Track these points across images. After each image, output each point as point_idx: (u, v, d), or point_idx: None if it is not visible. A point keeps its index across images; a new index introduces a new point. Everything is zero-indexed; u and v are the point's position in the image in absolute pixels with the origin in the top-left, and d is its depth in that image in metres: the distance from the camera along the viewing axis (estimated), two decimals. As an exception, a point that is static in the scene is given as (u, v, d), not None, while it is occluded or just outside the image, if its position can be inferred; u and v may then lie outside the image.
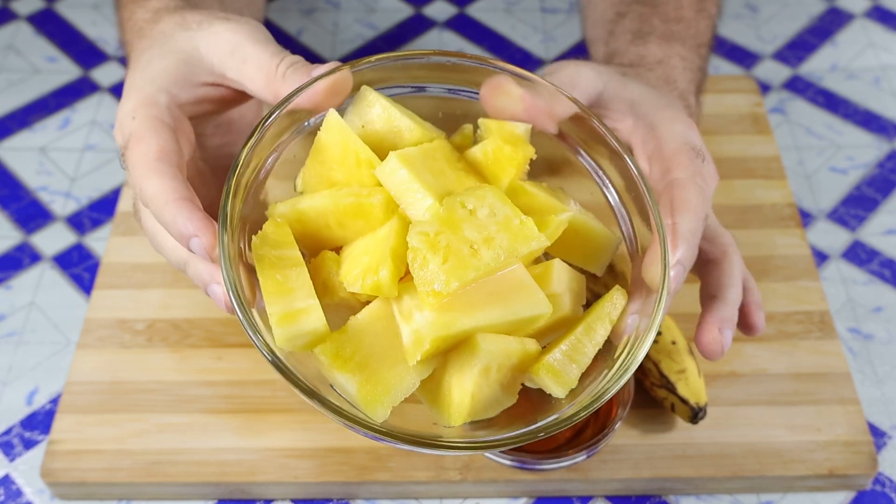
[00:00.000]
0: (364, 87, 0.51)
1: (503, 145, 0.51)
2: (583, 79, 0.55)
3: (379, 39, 0.96)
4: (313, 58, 0.94)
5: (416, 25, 0.97)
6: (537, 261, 0.49)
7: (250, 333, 0.44)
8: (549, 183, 0.52)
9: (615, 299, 0.48)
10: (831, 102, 0.89)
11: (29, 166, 0.83)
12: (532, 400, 0.49)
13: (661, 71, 0.62)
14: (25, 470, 0.65)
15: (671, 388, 0.62)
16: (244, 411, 0.65)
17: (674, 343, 0.63)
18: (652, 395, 0.64)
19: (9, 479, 0.64)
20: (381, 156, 0.48)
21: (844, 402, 0.65)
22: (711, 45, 0.71)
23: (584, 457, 0.59)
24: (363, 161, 0.48)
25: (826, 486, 0.63)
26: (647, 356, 0.63)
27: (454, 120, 0.54)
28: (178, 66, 0.52)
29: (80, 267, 0.76)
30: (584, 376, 0.47)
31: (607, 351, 0.48)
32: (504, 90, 0.51)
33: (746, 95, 0.85)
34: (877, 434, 0.66)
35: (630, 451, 0.63)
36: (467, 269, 0.44)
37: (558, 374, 0.46)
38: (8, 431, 0.67)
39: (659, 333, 0.63)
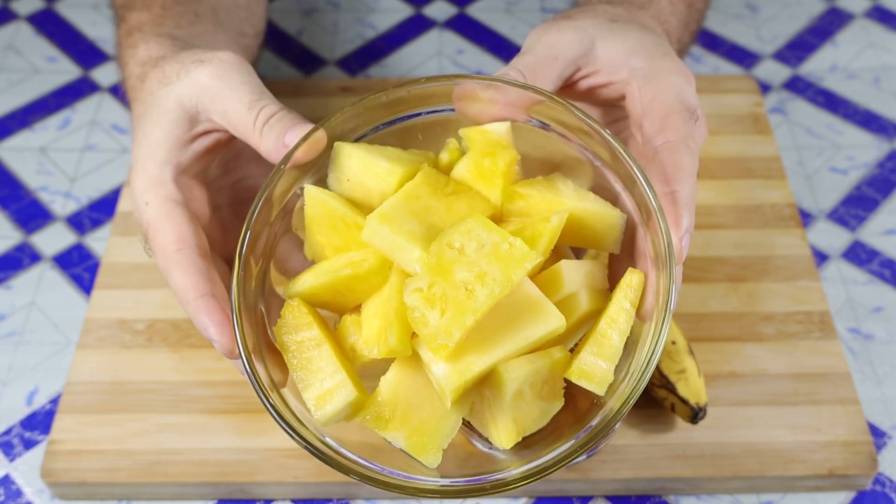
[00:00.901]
0: (337, 144, 0.52)
1: (481, 160, 0.51)
2: (566, 46, 0.54)
3: (379, 39, 0.96)
4: (313, 58, 0.94)
5: (416, 25, 0.97)
6: (554, 254, 0.49)
7: (287, 430, 0.47)
8: (544, 175, 0.52)
9: (632, 282, 0.48)
10: (831, 102, 0.89)
11: (29, 166, 0.83)
12: (574, 395, 0.50)
13: (652, 9, 0.60)
14: (25, 470, 0.65)
15: (671, 388, 0.62)
16: (244, 411, 0.65)
17: (674, 343, 0.63)
18: (652, 395, 0.64)
19: (9, 479, 0.64)
20: (373, 203, 0.49)
21: (844, 402, 0.65)
22: (701, 9, 0.69)
23: (584, 457, 0.59)
24: (351, 225, 0.50)
25: (826, 486, 0.63)
26: (647, 356, 0.63)
27: (436, 136, 0.54)
28: (170, 130, 0.54)
29: (80, 267, 0.76)
30: (619, 366, 0.47)
31: (634, 333, 0.48)
32: (473, 96, 0.51)
33: (746, 95, 0.85)
34: (877, 434, 0.66)
35: (630, 451, 0.63)
36: (465, 314, 0.44)
37: (591, 375, 0.47)
38: (8, 431, 0.67)
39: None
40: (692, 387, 0.61)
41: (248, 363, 0.47)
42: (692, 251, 0.73)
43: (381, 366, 0.49)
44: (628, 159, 0.49)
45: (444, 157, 0.53)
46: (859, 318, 0.73)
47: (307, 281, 0.50)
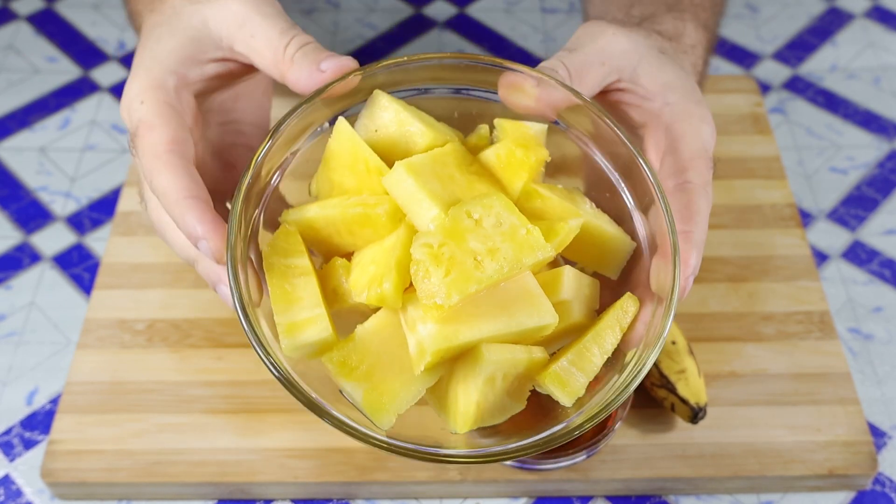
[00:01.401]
0: (376, 91, 0.51)
1: (515, 149, 0.50)
2: (617, 52, 0.53)
3: (379, 39, 0.96)
4: (313, 58, 0.94)
5: (415, 25, 0.97)
6: (552, 264, 0.49)
7: (255, 345, 0.45)
8: (565, 184, 0.52)
9: (626, 307, 0.48)
10: (831, 102, 0.89)
11: (29, 166, 0.83)
12: (542, 405, 0.49)
13: (693, 57, 0.60)
14: (25, 470, 0.65)
15: (671, 388, 0.62)
16: (244, 411, 0.65)
17: (674, 343, 0.63)
18: (652, 395, 0.64)
19: (9, 479, 0.64)
20: (394, 160, 0.47)
21: (844, 402, 0.65)
22: (714, 45, 0.69)
23: (584, 457, 0.59)
24: (372, 169, 0.49)
25: (826, 486, 0.63)
26: (647, 356, 0.63)
27: (470, 120, 0.53)
28: (186, 44, 0.52)
29: (80, 267, 0.76)
30: (593, 384, 0.47)
31: (616, 358, 0.48)
32: (520, 88, 0.51)
33: (746, 95, 0.85)
34: (877, 434, 0.66)
35: (630, 451, 0.63)
36: (469, 282, 0.44)
37: (564, 382, 0.46)
38: (8, 431, 0.67)
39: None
40: (692, 387, 0.61)
41: (233, 268, 0.45)
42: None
43: (356, 319, 0.47)
44: (657, 190, 0.48)
45: (472, 140, 0.52)
46: (859, 318, 0.73)
47: (311, 210, 0.49)
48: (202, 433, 0.64)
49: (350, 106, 0.52)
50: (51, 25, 0.97)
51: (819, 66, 0.92)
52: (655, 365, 0.62)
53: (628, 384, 0.46)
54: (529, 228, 0.45)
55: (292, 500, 0.63)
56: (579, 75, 0.52)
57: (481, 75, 0.52)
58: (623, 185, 0.51)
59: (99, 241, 0.77)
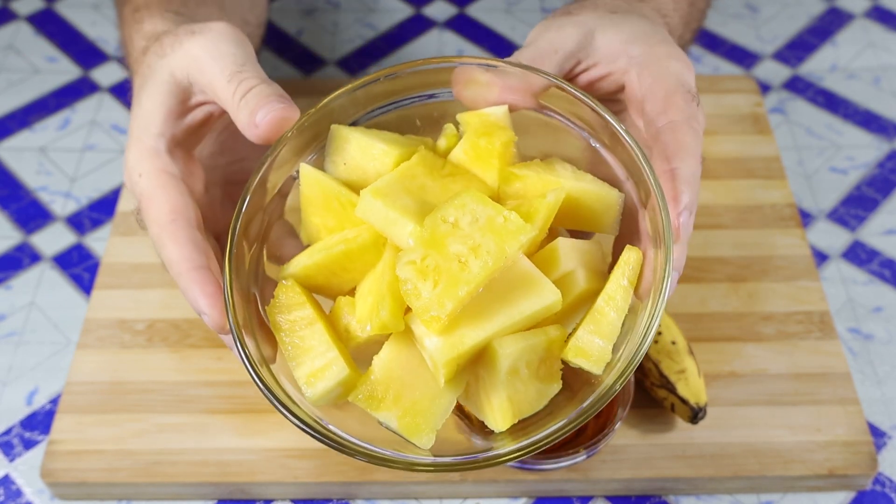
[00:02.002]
0: (334, 126, 0.52)
1: (478, 140, 0.50)
2: (565, 40, 0.54)
3: (379, 39, 0.96)
4: (313, 58, 0.94)
5: (415, 25, 0.97)
6: (551, 237, 0.49)
7: (273, 402, 0.46)
8: (542, 157, 0.51)
9: (630, 259, 0.47)
10: (831, 102, 0.89)
11: (29, 166, 0.83)
12: (578, 378, 0.48)
13: (653, 3, 0.60)
14: (25, 470, 0.65)
15: (671, 389, 0.62)
16: (244, 411, 0.65)
17: (674, 343, 0.63)
18: (652, 396, 0.64)
19: (9, 479, 0.64)
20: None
21: (844, 402, 0.65)
22: (702, 8, 0.69)
23: (584, 457, 0.59)
24: (346, 203, 0.50)
25: (826, 486, 0.63)
26: (647, 356, 0.63)
27: (433, 122, 0.54)
28: (164, 101, 0.53)
29: (80, 267, 0.76)
30: (616, 344, 0.47)
31: (632, 312, 0.47)
32: (473, 79, 0.51)
33: (746, 95, 0.85)
34: (877, 434, 0.66)
35: (630, 451, 0.63)
36: (458, 286, 0.44)
37: (588, 353, 0.46)
38: (8, 431, 0.67)
39: (659, 333, 0.63)
40: (692, 387, 0.61)
41: (238, 335, 0.47)
42: (692, 251, 0.73)
43: (376, 350, 0.48)
44: (626, 137, 0.48)
45: (442, 143, 0.52)
46: (859, 318, 0.73)
47: (301, 261, 0.50)
48: (202, 433, 0.64)
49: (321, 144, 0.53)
50: (51, 25, 0.97)
51: (819, 66, 0.92)
52: (655, 365, 0.62)
53: (647, 333, 0.45)
54: (506, 215, 0.45)
55: (292, 500, 0.63)
56: (534, 65, 0.52)
57: (431, 77, 0.53)
58: (608, 151, 0.51)
59: (99, 241, 0.77)
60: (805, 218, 0.79)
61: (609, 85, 0.55)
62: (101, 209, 0.80)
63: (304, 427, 0.45)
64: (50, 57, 0.93)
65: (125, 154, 0.54)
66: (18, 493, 0.64)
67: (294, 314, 0.49)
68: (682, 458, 0.63)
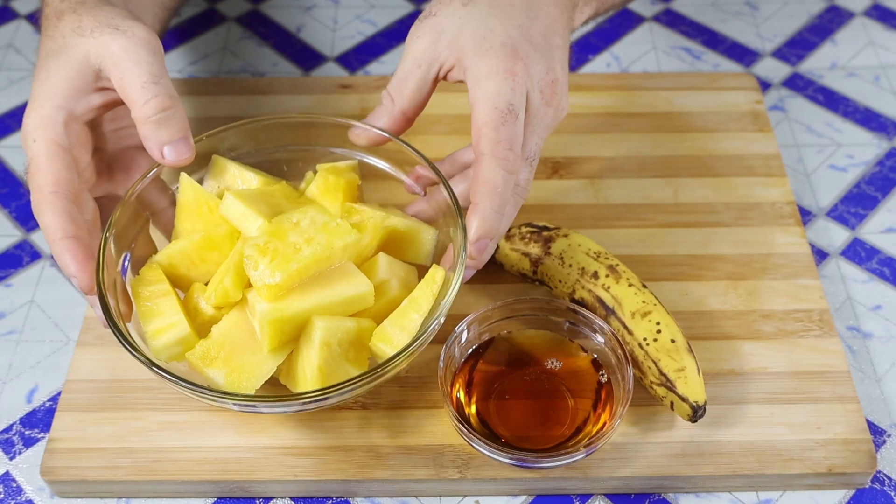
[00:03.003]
0: (215, 156, 0.65)
1: (328, 176, 0.64)
2: (422, 52, 0.60)
3: (378, 36, 0.96)
4: (313, 54, 0.94)
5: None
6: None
7: (126, 346, 0.56)
8: (381, 204, 0.65)
9: (434, 276, 0.59)
10: (831, 100, 0.89)
11: (29, 164, 0.83)
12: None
13: None
14: (25, 468, 0.65)
15: (671, 387, 0.62)
16: (244, 409, 0.65)
17: (673, 341, 0.63)
18: (651, 394, 0.64)
19: (9, 477, 0.64)
20: None
21: (844, 400, 0.65)
22: None
23: (584, 455, 0.59)
24: (214, 208, 0.62)
25: (825, 484, 0.63)
26: (647, 354, 0.63)
27: (297, 169, 0.68)
28: (72, 77, 0.58)
29: (79, 265, 0.76)
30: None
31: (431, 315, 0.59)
32: (354, 134, 0.64)
33: (746, 93, 0.85)
34: (876, 432, 0.66)
35: (629, 449, 0.63)
36: (290, 261, 0.55)
37: (389, 340, 0.57)
38: (8, 429, 0.67)
39: (658, 331, 0.63)
40: (691, 385, 0.61)
41: (102, 292, 0.57)
42: (692, 249, 0.73)
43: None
44: (444, 183, 0.61)
45: (302, 186, 0.66)
46: (859, 316, 0.73)
47: (167, 249, 0.61)
48: (202, 431, 0.64)
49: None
50: (50, 23, 0.97)
51: (819, 63, 0.92)
52: (655, 363, 0.62)
53: (431, 324, 0.57)
54: (339, 222, 0.58)
55: (292, 498, 0.63)
56: (399, 91, 0.61)
57: (298, 132, 0.67)
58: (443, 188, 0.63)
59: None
60: (805, 216, 0.79)
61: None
62: (101, 207, 0.80)
63: (151, 365, 0.55)
64: (49, 54, 0.93)
65: (25, 116, 0.59)
66: (19, 491, 0.64)
67: (153, 287, 0.60)
68: (682, 457, 0.63)
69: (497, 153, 0.55)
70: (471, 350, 0.64)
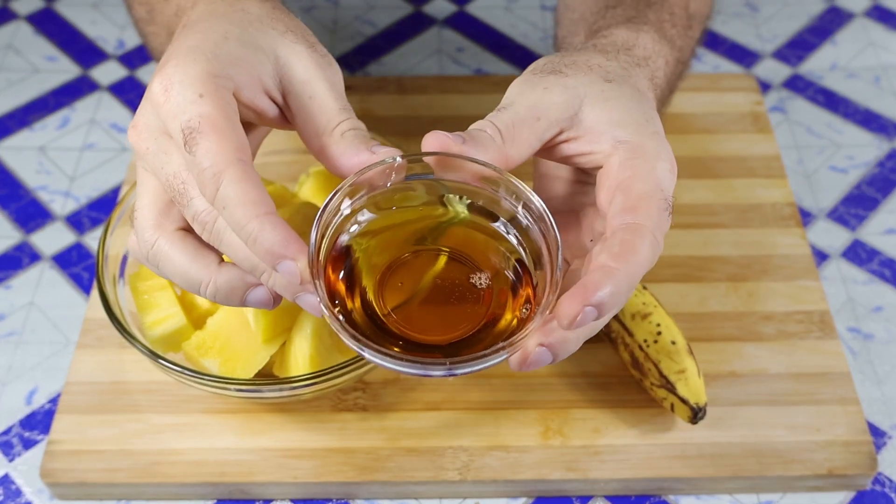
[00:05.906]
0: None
1: (321, 178, 0.67)
2: (551, 107, 0.49)
3: (378, 37, 0.96)
4: (313, 56, 0.93)
5: (415, 23, 0.97)
6: None
7: (126, 336, 0.59)
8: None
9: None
10: (831, 101, 0.89)
11: (28, 166, 0.83)
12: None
13: (649, 70, 0.56)
14: (25, 470, 0.65)
15: (671, 389, 0.62)
16: (243, 411, 0.65)
17: (673, 343, 0.63)
18: (652, 395, 0.64)
19: (8, 479, 0.64)
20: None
21: (844, 401, 0.65)
22: (685, 68, 0.66)
23: (506, 355, 0.45)
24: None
25: (826, 486, 0.63)
26: (647, 356, 0.63)
27: (291, 171, 0.70)
28: (253, 60, 0.48)
29: (79, 266, 0.76)
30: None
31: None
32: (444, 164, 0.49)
33: (746, 94, 0.85)
34: (876, 434, 0.66)
35: (630, 451, 0.63)
36: None
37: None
38: (7, 431, 0.67)
39: (659, 333, 0.63)
40: (692, 387, 0.61)
41: (101, 286, 0.59)
42: (692, 250, 0.73)
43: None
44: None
45: (295, 188, 0.68)
46: (859, 317, 0.73)
47: None
48: (201, 433, 0.64)
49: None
50: (50, 25, 0.97)
51: (819, 64, 0.92)
52: (655, 365, 0.62)
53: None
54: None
55: (291, 501, 0.63)
56: (511, 135, 0.49)
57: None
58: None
59: (98, 241, 0.77)
60: (805, 217, 0.79)
61: (588, 162, 0.50)
62: (101, 208, 0.80)
63: (138, 346, 0.58)
64: (49, 56, 0.93)
65: (173, 62, 0.46)
66: (18, 493, 0.64)
67: (150, 282, 0.62)
68: (682, 458, 0.63)
69: (655, 234, 0.47)
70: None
